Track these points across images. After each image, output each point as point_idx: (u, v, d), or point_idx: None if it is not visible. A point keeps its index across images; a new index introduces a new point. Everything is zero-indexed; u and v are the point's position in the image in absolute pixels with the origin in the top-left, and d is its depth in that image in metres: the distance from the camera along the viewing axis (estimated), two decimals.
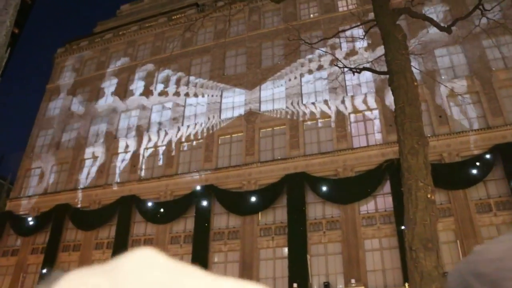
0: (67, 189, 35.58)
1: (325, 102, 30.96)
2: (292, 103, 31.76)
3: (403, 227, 9.38)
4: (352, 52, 32.09)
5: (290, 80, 33.02)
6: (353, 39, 30.83)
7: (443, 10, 31.87)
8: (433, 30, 28.46)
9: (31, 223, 34.56)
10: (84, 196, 34.50)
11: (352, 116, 29.88)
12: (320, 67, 32.63)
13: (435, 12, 31.72)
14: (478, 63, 28.29)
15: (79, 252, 32.44)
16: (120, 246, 30.52)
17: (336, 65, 28.78)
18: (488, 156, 24.48)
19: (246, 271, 26.72)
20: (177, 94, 36.87)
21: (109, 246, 31.43)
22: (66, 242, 33.48)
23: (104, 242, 32.18)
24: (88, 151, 37.35)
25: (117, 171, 35.13)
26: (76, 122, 40.20)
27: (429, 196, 8.67)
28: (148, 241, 30.74)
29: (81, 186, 35.62)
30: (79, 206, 33.99)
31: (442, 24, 13.08)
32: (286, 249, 26.32)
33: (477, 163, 24.46)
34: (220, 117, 33.77)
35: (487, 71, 27.86)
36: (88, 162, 36.91)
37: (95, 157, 36.73)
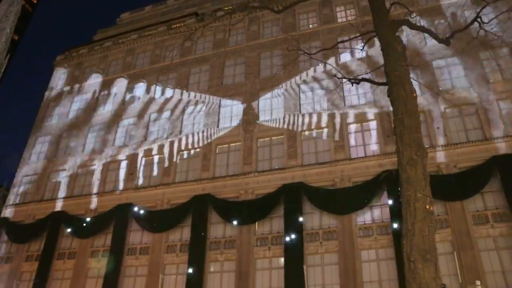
0: (63, 197, 35.42)
1: (323, 112, 31.01)
2: (290, 113, 31.81)
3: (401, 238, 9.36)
4: (351, 63, 32.23)
5: (288, 90, 33.09)
6: (352, 50, 31.04)
7: (441, 23, 32.08)
8: (431, 42, 28.73)
9: (26, 230, 34.37)
10: (81, 203, 34.33)
11: (350, 126, 29.93)
12: (318, 78, 32.74)
13: (433, 24, 31.99)
14: (476, 75, 28.43)
15: (74, 260, 32.20)
16: (116, 254, 30.36)
17: (335, 76, 28.98)
18: (485, 167, 24.51)
19: (242, 281, 26.59)
20: (175, 102, 36.89)
21: (105, 254, 31.23)
22: (61, 249, 33.26)
23: (100, 250, 31.98)
24: (85, 159, 37.25)
25: (114, 179, 35.02)
26: (74, 129, 40.13)
27: (427, 207, 8.67)
28: (144, 250, 30.58)
29: (78, 193, 35.46)
30: (75, 213, 33.78)
31: (440, 36, 13.15)
32: (282, 259, 26.20)
33: (474, 175, 24.48)
34: (218, 126, 33.78)
35: (484, 83, 27.99)
36: (84, 170, 36.79)
37: (92, 165, 36.62)
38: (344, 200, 26.37)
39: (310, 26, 36.84)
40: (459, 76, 29.30)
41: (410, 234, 8.57)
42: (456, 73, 29.52)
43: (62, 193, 35.84)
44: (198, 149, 33.27)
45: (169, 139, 34.67)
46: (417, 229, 8.49)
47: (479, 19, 12.65)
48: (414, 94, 10.31)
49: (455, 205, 24.49)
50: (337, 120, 30.17)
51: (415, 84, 11.45)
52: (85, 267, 31.67)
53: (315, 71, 33.04)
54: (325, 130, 30.33)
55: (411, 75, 11.38)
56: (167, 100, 37.59)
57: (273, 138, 31.59)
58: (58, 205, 34.78)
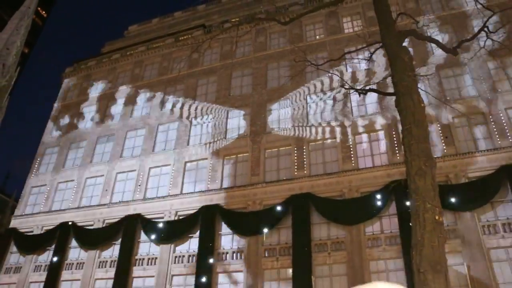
0: (72, 207, 35.57)
1: (331, 122, 31.01)
2: (297, 124, 31.83)
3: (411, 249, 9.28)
4: (358, 74, 32.27)
5: (296, 101, 33.15)
6: (359, 61, 31.09)
7: (448, 32, 32.09)
8: (438, 51, 28.71)
9: (34, 240, 34.53)
10: (89, 214, 34.45)
11: (358, 137, 29.88)
12: (326, 88, 32.79)
13: (440, 34, 32.01)
14: (484, 84, 28.34)
15: (82, 270, 32.24)
16: (123, 265, 30.36)
17: (342, 86, 29.02)
18: (494, 177, 24.31)
19: None
20: (183, 114, 37.07)
21: (112, 265, 31.24)
22: (69, 260, 33.31)
23: (107, 261, 31.99)
24: (93, 170, 37.44)
25: (122, 190, 35.14)
26: (82, 141, 40.43)
27: (437, 217, 8.61)
28: (151, 261, 30.54)
29: (86, 204, 35.61)
30: (83, 224, 33.89)
31: (447, 46, 13.16)
32: (290, 270, 26.06)
33: (484, 185, 24.28)
34: (225, 137, 33.86)
35: (493, 92, 27.89)
36: (93, 181, 36.97)
37: (100, 176, 36.79)
38: (353, 210, 26.24)
39: (317, 37, 36.96)
40: (467, 85, 29.23)
41: (419, 245, 8.52)
42: (464, 83, 29.46)
43: (70, 204, 36.00)
44: (205, 160, 33.32)
45: (177, 150, 34.76)
46: (426, 240, 8.44)
47: (486, 29, 12.65)
48: (422, 104, 10.30)
49: (464, 215, 24.28)
50: (345, 130, 30.14)
51: (423, 94, 11.44)
52: (93, 277, 31.67)
53: (322, 82, 33.10)
54: (333, 140, 30.30)
55: (419, 85, 11.38)
56: (174, 111, 37.78)
57: (280, 148, 31.59)
58: (66, 216, 34.90)
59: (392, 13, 12.83)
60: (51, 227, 34.70)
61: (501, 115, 26.81)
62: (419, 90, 10.80)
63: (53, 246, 33.77)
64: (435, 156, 24.69)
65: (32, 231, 35.75)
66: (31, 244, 34.81)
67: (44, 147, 42.11)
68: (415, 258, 8.51)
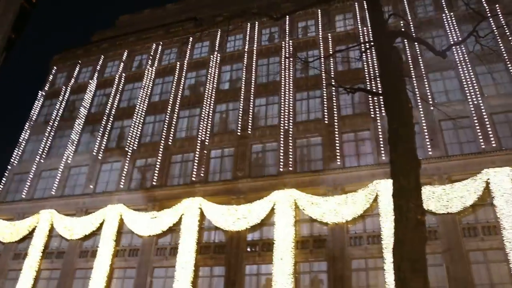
0: (54, 196, 35.19)
1: (318, 120, 31.08)
2: (285, 120, 31.84)
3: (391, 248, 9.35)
4: (347, 72, 32.37)
5: (284, 97, 33.13)
6: (349, 59, 31.20)
7: (437, 35, 32.36)
8: (428, 54, 28.96)
9: (14, 228, 34.09)
10: (71, 203, 34.12)
11: (344, 135, 29.98)
12: (314, 86, 32.82)
13: (431, 36, 32.27)
14: (471, 88, 28.63)
15: (62, 259, 31.95)
16: (105, 255, 30.16)
17: (331, 84, 29.14)
18: (477, 180, 24.63)
19: (230, 287, 26.49)
20: (170, 106, 36.83)
21: (94, 254, 30.99)
22: (49, 249, 32.99)
23: (89, 251, 31.75)
24: (78, 159, 37.09)
25: (106, 180, 34.86)
26: (67, 129, 39.98)
27: (419, 217, 8.66)
28: (133, 252, 30.39)
29: (69, 193, 35.26)
30: (65, 213, 33.53)
31: (437, 49, 13.23)
32: (271, 266, 26.12)
33: (466, 187, 24.58)
34: (212, 131, 33.76)
35: (479, 96, 28.19)
36: (77, 170, 36.61)
37: (84, 165, 36.45)
38: (336, 209, 26.37)
39: (308, 34, 36.96)
40: (455, 88, 29.52)
41: (400, 244, 8.56)
42: (452, 86, 29.74)
43: (53, 192, 35.60)
44: (191, 154, 33.19)
45: (163, 142, 34.56)
46: (408, 239, 8.49)
47: (475, 33, 12.73)
48: (409, 105, 10.32)
49: (446, 217, 24.56)
50: (332, 128, 30.21)
51: (411, 95, 11.48)
52: (73, 267, 31.42)
53: (312, 79, 33.10)
54: (319, 138, 30.38)
55: (407, 86, 11.42)
56: (162, 103, 37.54)
57: (267, 144, 31.60)
58: (48, 204, 34.52)
59: (384, 13, 12.86)
60: (33, 215, 34.27)
61: (486, 119, 27.12)
62: (407, 91, 10.84)
63: (34, 235, 33.36)
64: (420, 158, 24.97)
65: (12, 219, 35.26)
66: (11, 231, 34.34)
67: (29, 133, 41.53)
68: (396, 257, 8.56)
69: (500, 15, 30.34)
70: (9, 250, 34.08)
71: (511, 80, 28.33)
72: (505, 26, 29.18)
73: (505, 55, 29.15)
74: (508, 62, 28.88)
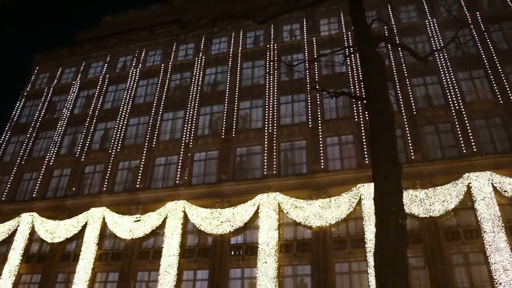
0: (36, 198, 34.66)
1: (302, 124, 31.18)
2: (269, 124, 31.85)
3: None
4: (331, 76, 32.56)
5: (268, 100, 33.14)
6: (333, 63, 31.39)
7: (420, 41, 32.79)
8: (411, 59, 29.31)
9: None
10: (53, 206, 33.64)
11: (328, 139, 30.13)
12: (299, 89, 32.92)
13: (413, 42, 32.70)
14: (453, 94, 29.04)
15: (44, 263, 31.47)
16: (87, 259, 29.81)
17: (315, 88, 29.27)
18: (458, 185, 24.97)
19: None
20: (154, 108, 36.58)
21: (76, 258, 30.59)
22: (30, 252, 32.47)
23: (71, 254, 31.33)
24: (60, 160, 36.61)
25: (89, 182, 34.49)
26: (50, 130, 39.45)
27: (400, 221, 8.75)
28: (116, 255, 30.09)
29: (50, 196, 34.76)
30: (46, 216, 33.00)
31: (419, 54, 13.40)
32: (255, 269, 26.10)
33: (448, 191, 24.90)
34: (196, 134, 33.63)
35: (460, 101, 28.60)
36: (59, 172, 36.13)
37: (67, 167, 35.99)
38: (319, 212, 26.45)
39: (293, 38, 37.09)
40: (437, 94, 29.92)
41: (381, 247, 8.63)
42: (434, 91, 30.14)
43: (34, 195, 35.03)
44: (175, 156, 33.02)
45: (146, 145, 34.32)
46: (389, 243, 8.56)
47: (456, 39, 12.93)
48: (391, 109, 10.45)
49: (428, 220, 24.84)
50: (315, 132, 30.33)
51: (393, 100, 11.64)
52: (55, 271, 30.97)
53: (296, 82, 33.20)
54: (303, 142, 30.48)
55: (390, 91, 11.56)
56: (146, 105, 37.29)
57: (251, 147, 31.58)
58: (30, 207, 33.97)
59: (367, 18, 12.98)
60: (13, 218, 33.68)
61: (467, 124, 27.52)
62: (390, 95, 10.96)
63: (14, 238, 32.79)
64: (403, 162, 25.21)
65: None
66: None
67: (9, 135, 40.84)
68: (377, 260, 8.62)
69: (481, 22, 30.91)
70: None
71: (491, 86, 28.82)
72: (485, 34, 29.72)
73: (485, 61, 29.67)
74: (488, 68, 29.39)
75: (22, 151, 38.76)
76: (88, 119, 38.46)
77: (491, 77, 29.05)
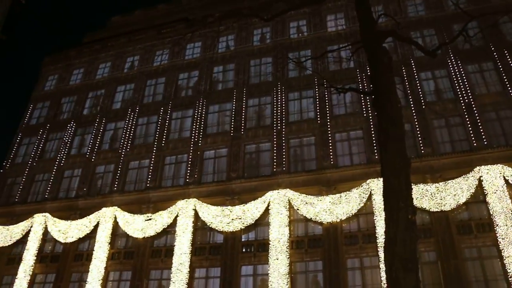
0: (48, 199, 35.01)
1: (311, 120, 31.14)
2: (278, 120, 31.86)
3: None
4: (339, 72, 32.45)
5: (276, 97, 33.14)
6: (340, 59, 31.28)
7: (428, 35, 32.54)
8: (419, 53, 29.12)
9: (8, 232, 33.88)
10: (65, 206, 33.97)
11: (337, 135, 30.07)
12: (307, 86, 32.87)
13: (421, 36, 32.47)
14: (462, 87, 28.81)
15: (57, 263, 31.82)
16: (100, 258, 30.08)
17: (323, 85, 29.22)
18: (469, 178, 24.80)
19: None
20: (163, 107, 36.73)
21: (89, 258, 30.90)
22: (44, 252, 32.84)
23: (84, 254, 31.64)
24: (71, 161, 36.92)
25: (100, 183, 34.76)
26: (60, 132, 39.78)
27: (409, 217, 8.74)
28: (129, 254, 30.33)
29: (62, 196, 35.09)
30: (59, 216, 33.34)
31: (427, 49, 13.32)
32: (267, 266, 26.17)
33: (459, 185, 24.75)
34: (205, 132, 33.72)
35: (470, 95, 28.37)
36: (70, 172, 36.46)
37: (77, 168, 36.30)
38: (330, 208, 26.44)
39: (300, 34, 37.01)
40: (446, 87, 29.70)
41: (392, 243, 8.63)
42: (443, 85, 29.92)
43: (46, 195, 35.40)
44: (185, 155, 33.14)
45: (156, 144, 34.49)
46: (399, 239, 8.55)
47: (464, 33, 12.83)
48: (399, 105, 10.41)
49: (439, 214, 24.71)
50: (324, 128, 30.28)
51: (402, 94, 11.61)
52: (69, 270, 31.30)
53: (304, 79, 33.16)
54: (312, 138, 30.44)
55: (398, 86, 11.52)
56: (154, 104, 37.45)
57: (260, 144, 31.61)
58: (42, 208, 34.34)
59: (373, 13, 12.93)
60: (26, 219, 34.08)
61: (477, 117, 27.30)
62: (398, 90, 10.93)
63: (28, 239, 33.17)
64: (413, 157, 25.10)
65: (5, 223, 34.97)
66: (5, 236, 34.12)
67: (21, 136, 41.27)
68: (387, 257, 8.62)
69: (489, 14, 30.54)
70: (2, 255, 33.87)
71: (501, 79, 28.53)
72: (494, 25, 29.38)
73: (494, 53, 29.38)
74: (498, 60, 29.10)
75: (33, 153, 39.15)
76: (97, 120, 38.74)
77: (501, 69, 28.76)
